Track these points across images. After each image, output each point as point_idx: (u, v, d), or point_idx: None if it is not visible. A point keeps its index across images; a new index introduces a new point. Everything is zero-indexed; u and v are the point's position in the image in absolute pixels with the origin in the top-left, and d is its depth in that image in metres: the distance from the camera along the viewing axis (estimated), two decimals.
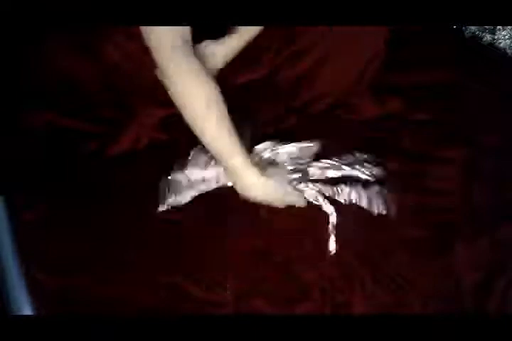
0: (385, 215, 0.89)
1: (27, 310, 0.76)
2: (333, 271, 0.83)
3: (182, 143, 0.98)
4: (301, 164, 0.89)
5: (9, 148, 0.97)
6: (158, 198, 0.90)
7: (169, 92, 0.87)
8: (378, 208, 0.87)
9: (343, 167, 0.91)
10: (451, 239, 0.86)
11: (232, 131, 0.85)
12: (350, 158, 0.93)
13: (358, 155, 0.93)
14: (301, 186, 0.89)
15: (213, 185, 0.89)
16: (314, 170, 0.91)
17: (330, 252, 0.85)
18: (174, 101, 0.87)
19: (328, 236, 0.86)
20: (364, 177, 0.91)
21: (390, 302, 0.80)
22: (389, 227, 0.88)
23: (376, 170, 0.91)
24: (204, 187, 0.89)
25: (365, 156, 0.93)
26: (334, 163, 0.91)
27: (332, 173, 0.91)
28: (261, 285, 0.82)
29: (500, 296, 0.80)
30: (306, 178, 0.89)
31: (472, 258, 0.84)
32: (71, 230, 0.88)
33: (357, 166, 0.91)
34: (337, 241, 0.85)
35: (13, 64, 1.04)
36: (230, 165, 0.86)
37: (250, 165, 0.86)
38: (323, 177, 0.91)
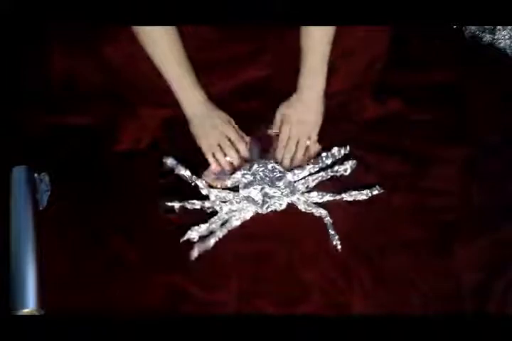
0: (385, 215, 0.89)
1: (30, 308, 0.76)
2: (333, 272, 0.83)
3: (183, 143, 0.98)
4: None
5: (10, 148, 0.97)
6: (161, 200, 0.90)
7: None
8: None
9: (322, 173, 0.93)
10: (451, 239, 0.86)
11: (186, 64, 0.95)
12: (324, 160, 0.94)
13: (330, 154, 0.95)
14: (291, 199, 0.90)
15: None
16: (300, 186, 0.92)
17: (337, 250, 0.85)
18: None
19: (328, 236, 0.86)
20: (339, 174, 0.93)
21: (390, 303, 0.80)
22: (389, 227, 0.88)
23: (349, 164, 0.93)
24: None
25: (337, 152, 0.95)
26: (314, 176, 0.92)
27: (314, 183, 0.92)
28: (262, 285, 0.82)
29: (500, 296, 0.80)
30: (294, 192, 0.91)
31: (472, 258, 0.84)
32: (70, 229, 0.88)
33: (331, 169, 0.93)
34: (339, 239, 0.86)
35: (13, 64, 1.04)
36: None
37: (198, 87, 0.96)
38: (308, 189, 0.92)
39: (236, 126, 0.98)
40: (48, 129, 1.01)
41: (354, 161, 0.94)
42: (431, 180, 0.93)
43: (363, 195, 0.90)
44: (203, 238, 0.87)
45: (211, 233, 0.88)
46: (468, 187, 0.92)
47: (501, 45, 1.16)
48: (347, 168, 0.93)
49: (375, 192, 0.90)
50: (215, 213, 0.90)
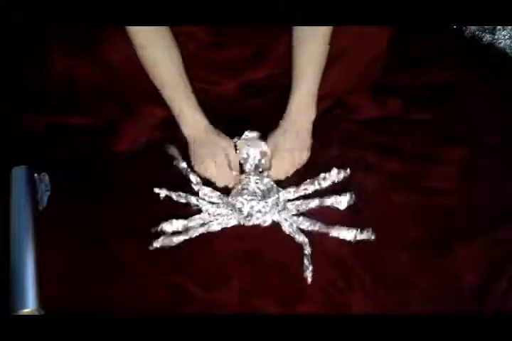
0: (385, 214, 0.89)
1: (30, 308, 0.76)
2: (333, 271, 0.83)
3: (182, 143, 0.98)
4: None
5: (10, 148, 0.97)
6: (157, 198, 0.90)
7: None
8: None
9: (316, 201, 0.88)
10: (451, 239, 0.86)
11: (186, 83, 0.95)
12: (320, 181, 0.90)
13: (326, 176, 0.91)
14: (277, 218, 0.88)
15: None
16: (291, 206, 0.89)
17: (307, 282, 0.81)
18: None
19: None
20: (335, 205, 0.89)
21: (390, 303, 0.80)
22: (389, 227, 0.88)
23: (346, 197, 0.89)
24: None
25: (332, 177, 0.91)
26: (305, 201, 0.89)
27: (305, 208, 0.89)
28: (262, 285, 0.82)
29: (500, 296, 0.80)
30: (282, 212, 0.88)
31: (472, 258, 0.84)
32: (70, 229, 0.88)
33: (327, 199, 0.88)
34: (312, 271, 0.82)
35: (13, 64, 1.04)
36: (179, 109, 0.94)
37: (199, 112, 0.95)
38: (298, 212, 0.89)
39: (234, 154, 0.94)
40: (48, 129, 1.01)
41: (352, 195, 0.88)
42: (431, 180, 0.93)
43: (350, 235, 0.85)
44: (177, 233, 0.86)
45: (186, 230, 0.86)
46: (469, 187, 0.92)
47: (501, 45, 1.17)
48: (343, 201, 0.88)
49: (363, 237, 0.85)
50: (200, 212, 0.89)
